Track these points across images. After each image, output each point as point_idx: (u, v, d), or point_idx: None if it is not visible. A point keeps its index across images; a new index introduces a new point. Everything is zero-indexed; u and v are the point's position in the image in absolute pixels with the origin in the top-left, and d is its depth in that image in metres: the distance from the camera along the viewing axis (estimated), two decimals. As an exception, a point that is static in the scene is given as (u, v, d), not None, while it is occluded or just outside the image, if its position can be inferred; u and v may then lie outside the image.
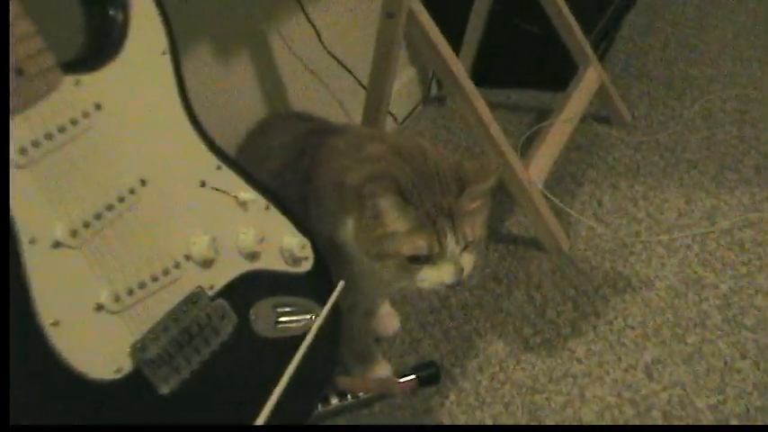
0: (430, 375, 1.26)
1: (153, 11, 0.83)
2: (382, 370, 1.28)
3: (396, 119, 1.89)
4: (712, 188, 1.59)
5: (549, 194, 1.54)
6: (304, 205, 1.09)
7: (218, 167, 0.91)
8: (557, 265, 1.47)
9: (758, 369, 1.20)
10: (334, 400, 1.22)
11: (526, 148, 1.63)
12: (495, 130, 1.39)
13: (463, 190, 0.99)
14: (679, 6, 2.38)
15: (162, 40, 0.84)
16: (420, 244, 0.97)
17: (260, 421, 0.90)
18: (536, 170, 1.50)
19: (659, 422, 1.16)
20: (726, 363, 1.23)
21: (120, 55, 0.79)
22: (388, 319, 1.38)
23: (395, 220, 0.97)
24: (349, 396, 1.23)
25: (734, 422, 1.13)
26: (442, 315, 1.41)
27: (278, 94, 1.56)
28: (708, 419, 1.15)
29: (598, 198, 1.62)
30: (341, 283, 1.05)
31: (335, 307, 1.04)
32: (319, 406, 1.20)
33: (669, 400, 1.19)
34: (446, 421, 1.22)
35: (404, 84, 1.97)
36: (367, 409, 1.26)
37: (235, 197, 0.93)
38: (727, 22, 2.23)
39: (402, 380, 1.25)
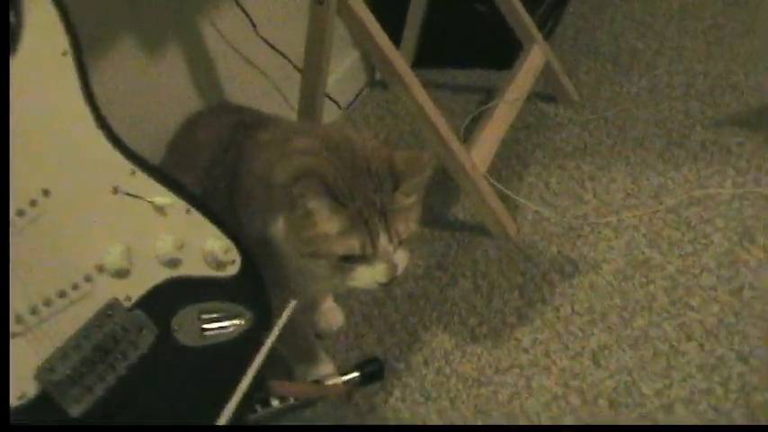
0: (373, 372, 1.23)
1: (51, 11, 0.77)
2: (325, 368, 1.24)
3: (339, 105, 1.85)
4: (659, 165, 1.57)
5: (493, 180, 1.51)
6: (232, 201, 1.05)
7: (132, 172, 0.86)
8: (503, 252, 1.45)
9: (703, 351, 1.19)
10: (275, 402, 1.18)
11: (470, 130, 1.59)
12: (436, 115, 1.35)
13: (397, 185, 0.95)
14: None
15: (62, 40, 0.79)
16: (352, 244, 0.93)
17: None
18: (480, 154, 1.46)
19: (605, 411, 1.14)
20: (671, 346, 1.21)
21: (15, 57, 0.74)
22: (331, 315, 1.34)
23: (325, 220, 0.93)
24: (290, 398, 1.20)
25: (678, 406, 1.12)
26: (386, 308, 1.37)
27: (212, 85, 1.51)
28: (653, 405, 1.13)
29: (545, 180, 1.59)
30: (293, 302, 1.01)
31: (268, 317, 1.00)
32: (259, 408, 1.17)
33: (615, 388, 1.17)
34: (391, 419, 1.20)
35: (347, 68, 1.92)
36: (309, 410, 1.22)
37: (151, 202, 0.88)
38: (673, -7, 2.20)
39: (344, 378, 1.22)
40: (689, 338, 1.21)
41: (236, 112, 1.22)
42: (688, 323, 1.24)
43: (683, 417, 1.11)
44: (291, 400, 1.19)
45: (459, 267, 1.43)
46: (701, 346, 1.20)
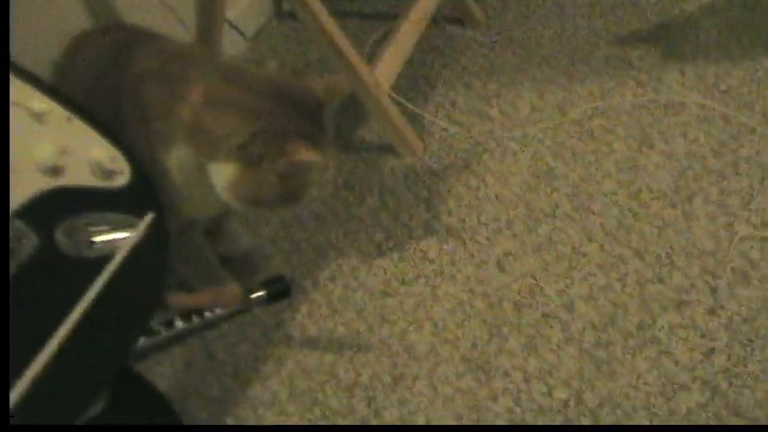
0: (279, 289, 1.20)
1: None
2: (231, 289, 1.22)
3: (244, 36, 1.80)
4: (564, 81, 1.58)
5: (399, 98, 1.49)
6: (117, 122, 1.01)
7: (3, 77, 0.82)
8: (410, 169, 1.44)
9: (602, 251, 1.21)
10: (179, 323, 1.16)
11: (374, 52, 1.57)
12: (340, 37, 1.32)
13: (322, 115, 0.95)
14: None
15: None
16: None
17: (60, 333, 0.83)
18: (384, 73, 1.44)
19: (509, 312, 1.15)
20: (573, 248, 1.23)
21: None
22: (235, 237, 1.32)
23: (309, 169, 0.93)
24: (194, 318, 1.18)
25: (578, 303, 1.14)
26: (293, 229, 1.36)
27: (103, 7, 1.45)
28: (555, 304, 1.15)
29: (452, 99, 1.58)
30: (149, 215, 0.97)
31: (162, 229, 0.97)
32: (162, 330, 1.14)
33: (519, 290, 1.18)
34: (297, 334, 1.19)
35: (252, -2, 1.88)
36: (215, 330, 1.21)
37: (27, 108, 0.84)
38: None
39: (251, 297, 1.20)
40: (590, 240, 1.23)
41: (115, 31, 1.17)
42: (589, 226, 1.26)
43: (583, 313, 1.13)
44: (195, 319, 1.17)
45: (366, 186, 1.42)
46: (602, 246, 1.22)
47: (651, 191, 1.29)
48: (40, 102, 0.85)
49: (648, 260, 1.17)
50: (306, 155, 0.91)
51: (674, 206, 1.26)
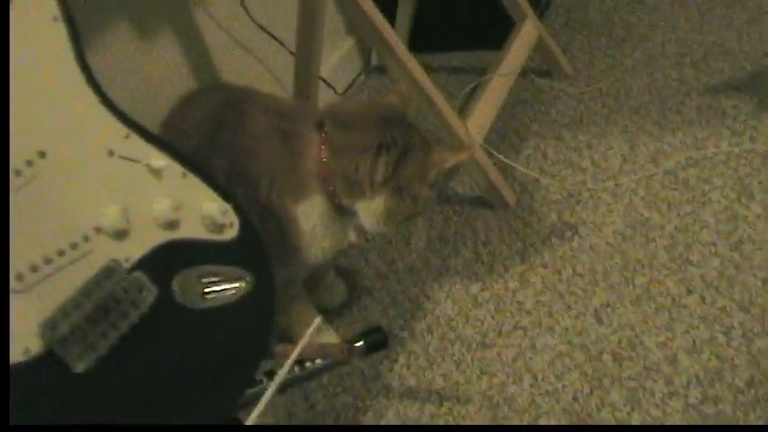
0: (377, 340, 1.23)
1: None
2: (329, 338, 1.25)
3: (335, 90, 1.86)
4: (655, 131, 1.57)
5: (491, 149, 1.52)
6: (233, 177, 1.07)
7: (127, 136, 0.87)
8: (503, 221, 1.45)
9: (704, 303, 1.19)
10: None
11: (465, 105, 1.60)
12: (431, 89, 1.36)
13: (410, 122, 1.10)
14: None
15: (51, 5, 0.80)
16: None
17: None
18: (475, 126, 1.47)
19: (609, 365, 1.14)
20: (673, 300, 1.21)
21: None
22: (334, 288, 1.35)
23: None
24: (296, 368, 1.21)
25: (682, 356, 1.12)
26: (389, 280, 1.38)
27: (206, 69, 1.52)
28: (656, 356, 1.13)
29: (543, 151, 1.60)
30: (317, 320, 1.05)
31: (269, 281, 1.02)
32: (265, 380, 1.17)
33: (619, 342, 1.17)
34: (395, 384, 1.20)
35: (343, 54, 1.94)
36: (316, 380, 1.23)
37: (147, 165, 0.89)
38: (665, -32, 2.21)
39: (351, 347, 1.22)
40: (690, 292, 1.22)
41: (226, 90, 1.24)
42: (689, 278, 1.24)
43: (687, 367, 1.11)
44: (296, 370, 1.20)
45: (460, 238, 1.44)
46: (703, 298, 1.20)
47: (753, 242, 1.26)
48: (159, 159, 0.90)
49: (755, 313, 1.15)
50: (454, 157, 1.06)
51: (777, 257, 1.23)
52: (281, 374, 1.04)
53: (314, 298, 1.31)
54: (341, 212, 1.08)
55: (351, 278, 1.39)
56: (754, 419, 1.02)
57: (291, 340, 1.24)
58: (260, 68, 1.66)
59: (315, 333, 1.24)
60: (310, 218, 1.06)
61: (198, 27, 1.49)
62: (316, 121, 1.08)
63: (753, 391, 1.06)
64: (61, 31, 0.81)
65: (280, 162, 1.05)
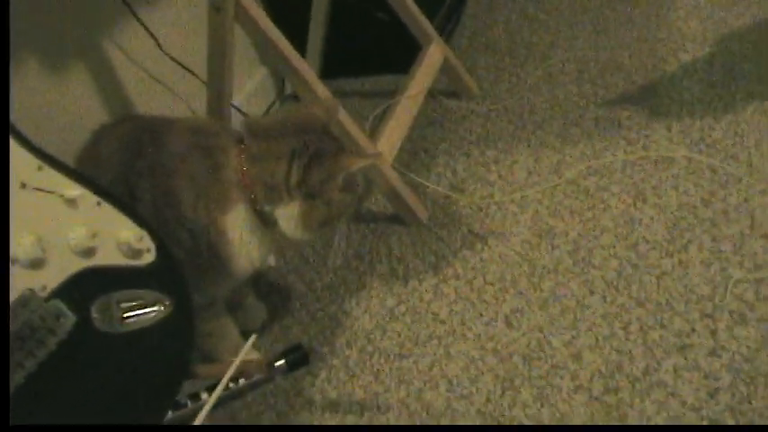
0: (297, 358, 1.26)
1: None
2: (252, 358, 1.28)
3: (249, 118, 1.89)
4: (557, 144, 1.66)
5: (402, 169, 1.57)
6: (157, 199, 1.10)
7: (40, 168, 0.89)
8: (416, 236, 1.51)
9: (605, 302, 1.26)
10: (204, 395, 1.21)
11: (376, 127, 1.66)
12: (342, 115, 1.41)
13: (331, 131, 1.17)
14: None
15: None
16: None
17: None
18: (386, 147, 1.53)
19: (520, 366, 1.20)
20: (577, 301, 1.28)
21: None
22: (255, 311, 1.38)
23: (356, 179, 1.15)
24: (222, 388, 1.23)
25: (585, 353, 1.19)
26: (308, 299, 1.42)
27: (119, 100, 1.54)
28: (562, 354, 1.20)
29: (452, 168, 1.66)
30: (252, 336, 1.08)
31: (188, 303, 1.04)
32: (189, 403, 1.19)
33: (528, 344, 1.23)
34: (318, 399, 1.23)
35: (257, 83, 1.98)
36: (240, 400, 1.26)
37: (61, 195, 0.92)
38: (562, -9, 2.33)
39: (273, 366, 1.25)
40: (592, 293, 1.29)
41: (139, 119, 1.26)
42: (591, 279, 1.31)
43: (590, 362, 1.17)
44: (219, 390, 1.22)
45: (375, 255, 1.49)
46: (604, 297, 1.27)
47: (647, 242, 1.35)
48: (73, 189, 0.92)
49: (650, 308, 1.23)
50: (361, 161, 1.12)
51: (670, 255, 1.32)
52: (219, 390, 1.07)
53: (235, 320, 1.34)
54: (263, 221, 1.11)
55: (270, 299, 1.43)
56: (649, 404, 1.09)
57: (213, 361, 1.27)
58: (172, 98, 1.69)
59: (250, 350, 1.28)
60: (237, 226, 1.09)
61: (109, 60, 1.51)
62: (233, 134, 1.14)
63: (648, 378, 1.13)
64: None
65: (203, 176, 1.08)
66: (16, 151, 0.87)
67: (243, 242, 1.11)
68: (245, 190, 1.09)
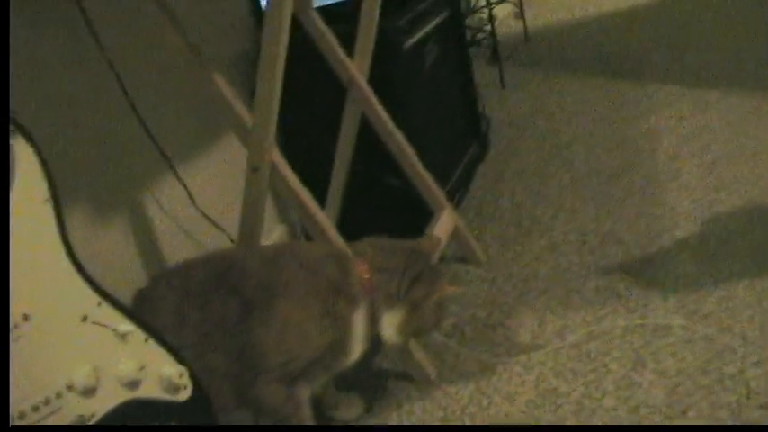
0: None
1: (34, 162, 0.92)
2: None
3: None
4: (560, 310, 1.75)
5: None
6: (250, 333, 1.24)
7: (99, 304, 0.99)
8: (425, 393, 1.57)
9: (607, 461, 1.31)
10: None
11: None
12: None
13: (431, 261, 1.48)
14: (523, 157, 2.67)
15: (43, 189, 0.93)
16: None
17: None
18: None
19: None
20: (581, 461, 1.33)
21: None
22: (352, 401, 1.56)
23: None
24: None
25: None
26: (320, 448, 1.47)
27: (154, 254, 1.65)
28: None
29: (461, 328, 1.75)
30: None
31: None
32: None
33: (534, 501, 1.27)
34: None
35: (275, 240, 2.10)
36: None
37: (114, 330, 1.01)
38: (563, 169, 2.50)
39: None
40: (595, 453, 1.34)
41: (195, 265, 1.37)
42: (594, 440, 1.37)
43: None
44: None
45: (385, 410, 1.55)
46: (606, 458, 1.32)
47: (648, 406, 1.41)
48: (126, 325, 1.02)
49: (650, 469, 1.28)
50: (451, 289, 1.39)
51: (670, 419, 1.37)
52: None
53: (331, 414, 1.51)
54: (372, 322, 1.33)
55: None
56: None
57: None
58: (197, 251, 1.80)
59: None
60: (360, 323, 1.30)
61: (148, 217, 1.63)
62: (353, 249, 1.41)
63: None
64: (50, 211, 0.94)
65: (336, 280, 1.29)
66: (80, 287, 0.97)
67: (360, 337, 1.31)
68: (366, 294, 1.32)
